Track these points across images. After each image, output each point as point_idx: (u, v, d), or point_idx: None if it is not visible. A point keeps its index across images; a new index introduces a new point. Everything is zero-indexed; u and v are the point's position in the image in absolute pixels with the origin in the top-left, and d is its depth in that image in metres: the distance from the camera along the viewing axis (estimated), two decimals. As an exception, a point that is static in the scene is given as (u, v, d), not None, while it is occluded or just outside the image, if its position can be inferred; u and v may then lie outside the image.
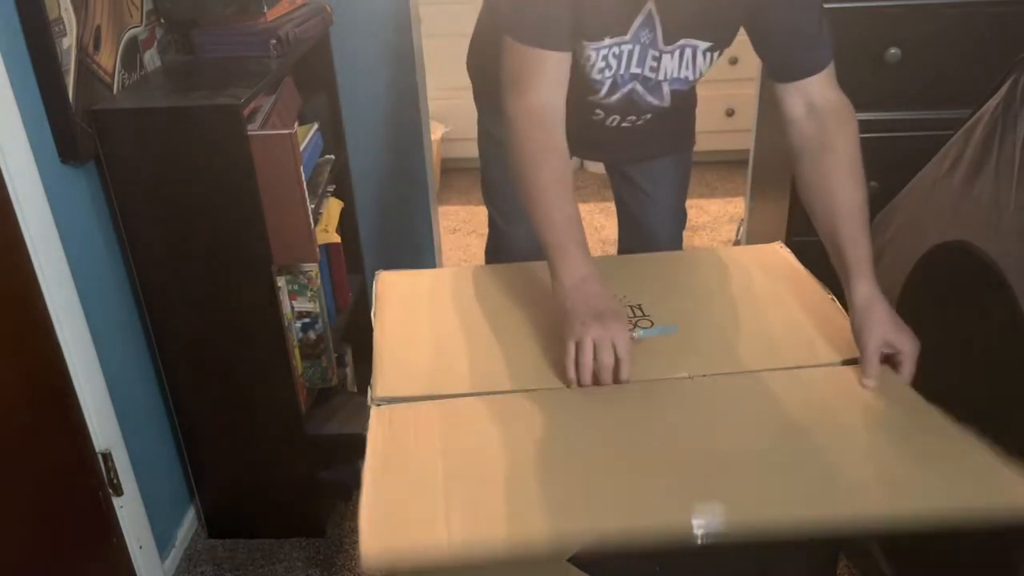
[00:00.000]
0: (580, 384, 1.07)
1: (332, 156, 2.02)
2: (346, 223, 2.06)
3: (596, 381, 1.07)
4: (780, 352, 1.14)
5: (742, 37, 1.28)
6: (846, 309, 1.22)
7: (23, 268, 1.34)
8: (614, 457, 0.97)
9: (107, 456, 1.55)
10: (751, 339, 1.18)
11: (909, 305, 1.43)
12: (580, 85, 1.31)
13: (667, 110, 1.38)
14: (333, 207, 1.98)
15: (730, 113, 3.48)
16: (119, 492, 1.59)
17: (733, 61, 3.17)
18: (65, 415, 1.45)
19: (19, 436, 1.33)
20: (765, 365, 1.11)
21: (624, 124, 1.42)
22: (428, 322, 1.24)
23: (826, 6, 1.62)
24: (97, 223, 1.55)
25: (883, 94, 1.70)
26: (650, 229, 1.72)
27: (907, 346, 1.07)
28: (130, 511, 1.62)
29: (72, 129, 1.41)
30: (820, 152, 1.16)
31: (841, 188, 1.14)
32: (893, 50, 1.62)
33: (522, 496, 0.89)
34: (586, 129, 1.41)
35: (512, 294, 1.31)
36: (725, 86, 3.30)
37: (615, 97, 1.35)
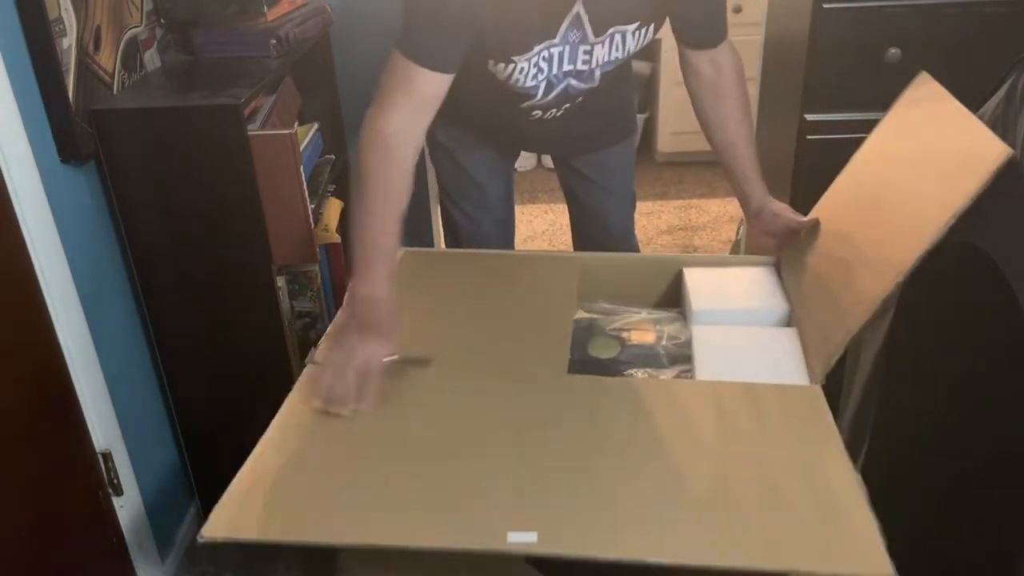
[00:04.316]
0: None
1: (332, 156, 2.02)
2: (346, 223, 2.06)
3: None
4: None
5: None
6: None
7: (23, 268, 1.34)
8: None
9: (107, 456, 1.55)
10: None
11: (909, 305, 1.43)
12: (515, 96, 1.38)
13: (598, 89, 1.42)
14: (333, 207, 1.98)
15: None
16: (119, 492, 1.59)
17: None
18: (65, 415, 1.45)
19: (19, 436, 1.33)
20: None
21: (561, 113, 1.46)
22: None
23: (826, 6, 1.63)
24: (97, 223, 1.55)
25: (883, 94, 1.69)
26: (602, 216, 1.76)
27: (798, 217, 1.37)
28: (130, 511, 1.62)
29: (72, 129, 1.41)
30: (720, 98, 1.41)
31: (738, 125, 1.40)
32: (893, 50, 1.62)
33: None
34: (529, 128, 1.49)
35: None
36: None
37: (552, 95, 1.39)
